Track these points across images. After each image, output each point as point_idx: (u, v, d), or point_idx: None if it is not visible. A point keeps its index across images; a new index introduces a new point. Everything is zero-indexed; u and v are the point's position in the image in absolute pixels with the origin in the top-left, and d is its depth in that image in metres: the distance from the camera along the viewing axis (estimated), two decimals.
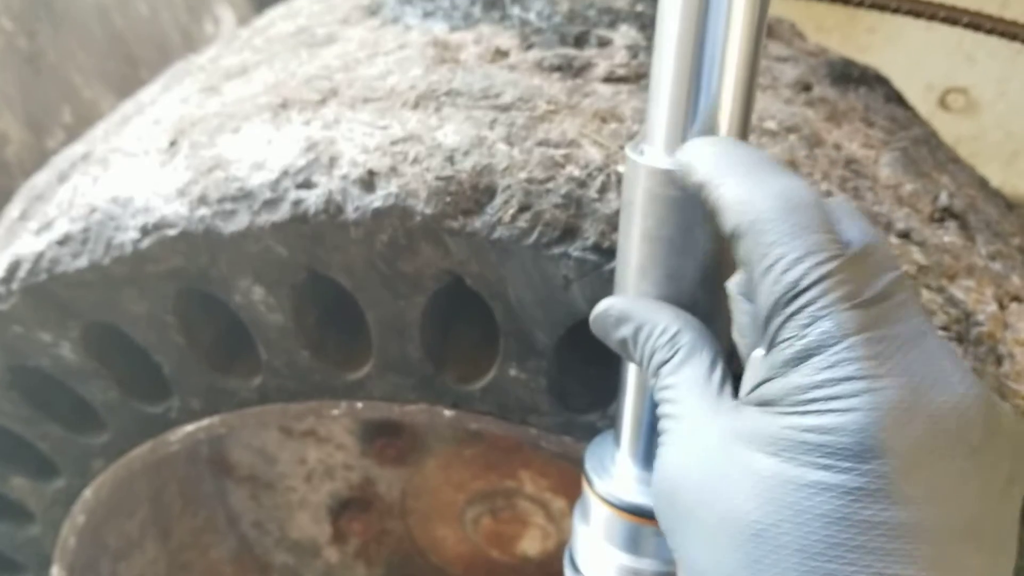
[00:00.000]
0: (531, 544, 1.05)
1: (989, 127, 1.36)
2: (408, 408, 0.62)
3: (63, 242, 0.60)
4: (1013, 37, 0.71)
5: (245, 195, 0.55)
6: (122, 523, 0.89)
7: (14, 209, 0.72)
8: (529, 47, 0.66)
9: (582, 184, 0.52)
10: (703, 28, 0.36)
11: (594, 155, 0.54)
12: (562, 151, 0.54)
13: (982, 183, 0.75)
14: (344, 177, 0.53)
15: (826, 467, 0.29)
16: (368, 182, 0.53)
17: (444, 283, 0.55)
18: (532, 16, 0.71)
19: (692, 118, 0.38)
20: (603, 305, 0.41)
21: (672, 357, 0.37)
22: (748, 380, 0.34)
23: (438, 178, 0.52)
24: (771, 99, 0.66)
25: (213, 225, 0.55)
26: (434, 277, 0.55)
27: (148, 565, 0.96)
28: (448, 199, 0.52)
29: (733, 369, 0.37)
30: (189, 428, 0.68)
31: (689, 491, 0.33)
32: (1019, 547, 0.33)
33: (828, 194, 0.57)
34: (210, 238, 0.55)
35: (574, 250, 0.51)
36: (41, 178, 0.75)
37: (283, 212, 0.54)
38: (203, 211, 0.55)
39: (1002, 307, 0.57)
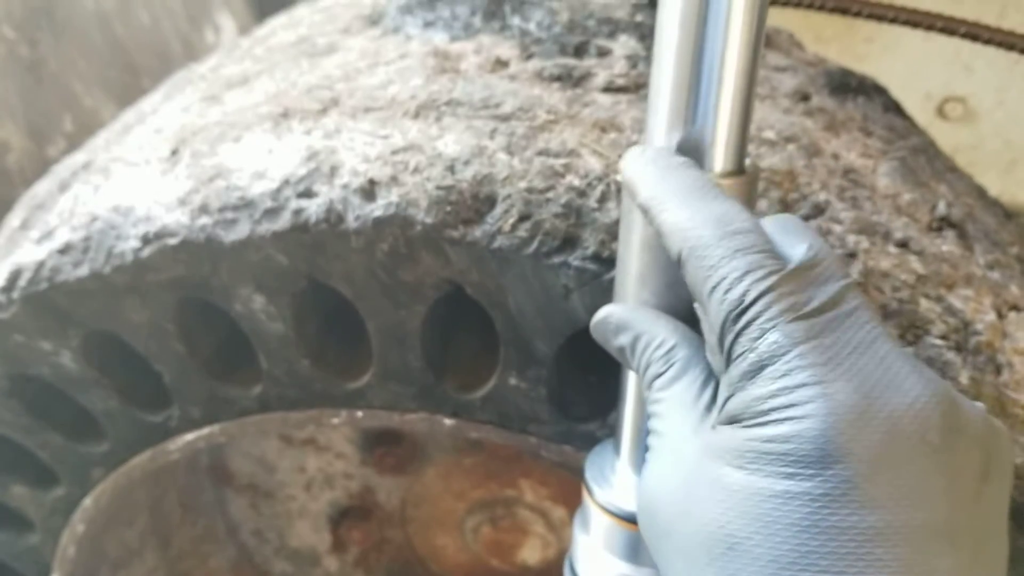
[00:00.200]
0: (531, 553, 1.04)
1: (987, 136, 1.36)
2: (408, 417, 0.62)
3: (64, 251, 0.60)
4: (1011, 47, 0.71)
5: (246, 204, 0.55)
6: (122, 532, 0.89)
7: (15, 218, 0.73)
8: (529, 57, 0.66)
9: (582, 194, 0.53)
10: (702, 38, 0.36)
11: (594, 165, 0.54)
12: (562, 161, 0.54)
13: (980, 192, 0.75)
14: (345, 186, 0.54)
15: (790, 475, 0.29)
16: (369, 191, 0.53)
17: (444, 292, 0.55)
18: (532, 26, 0.71)
19: (691, 127, 0.38)
20: (603, 312, 0.41)
21: (666, 372, 0.37)
22: (719, 399, 0.34)
23: (439, 187, 0.53)
24: (770, 109, 0.67)
25: (214, 234, 0.55)
26: (434, 286, 0.55)
27: (148, 574, 0.96)
28: (448, 208, 0.52)
29: None
30: (189, 437, 0.68)
31: (667, 507, 0.34)
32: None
33: (827, 204, 0.57)
34: (211, 247, 0.55)
35: (574, 259, 0.51)
36: (42, 187, 0.75)
37: (284, 221, 0.54)
38: (204, 220, 0.55)
39: (1000, 316, 0.57)
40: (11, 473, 0.74)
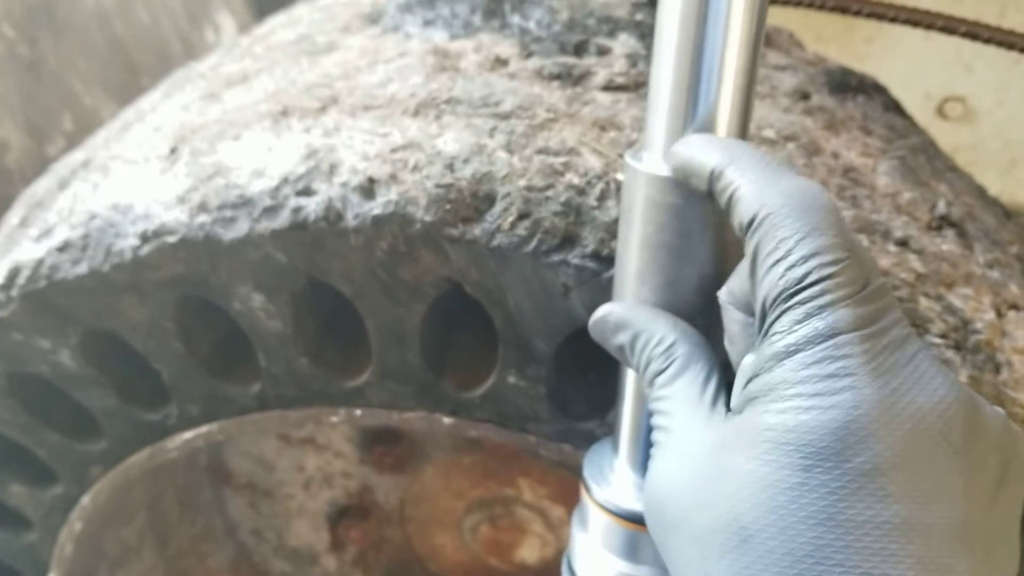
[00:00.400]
0: (530, 552, 1.04)
1: (987, 136, 1.36)
2: (407, 415, 0.62)
3: (63, 249, 0.60)
4: (1010, 46, 0.71)
5: (245, 202, 0.55)
6: (120, 530, 0.89)
7: (14, 216, 0.72)
8: (529, 55, 0.66)
9: (581, 192, 0.52)
10: (701, 36, 0.36)
11: (593, 163, 0.54)
12: (561, 159, 0.54)
13: (980, 191, 0.75)
14: (344, 184, 0.54)
15: (809, 467, 0.29)
16: (368, 189, 0.53)
17: (443, 290, 0.55)
18: (532, 25, 0.71)
19: (690, 126, 0.38)
20: (602, 311, 0.41)
21: (667, 368, 0.37)
22: (738, 385, 0.34)
23: (438, 185, 0.53)
24: (769, 107, 0.67)
25: (213, 232, 0.55)
26: (433, 284, 0.55)
27: (146, 572, 0.96)
28: (448, 206, 0.52)
29: (729, 382, 0.37)
30: (187, 435, 0.68)
31: (678, 501, 0.33)
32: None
33: None
34: (210, 245, 0.55)
35: (573, 258, 0.51)
36: (41, 185, 0.75)
37: (283, 219, 0.54)
38: (203, 218, 0.55)
39: (1000, 315, 0.57)
40: (9, 471, 0.74)
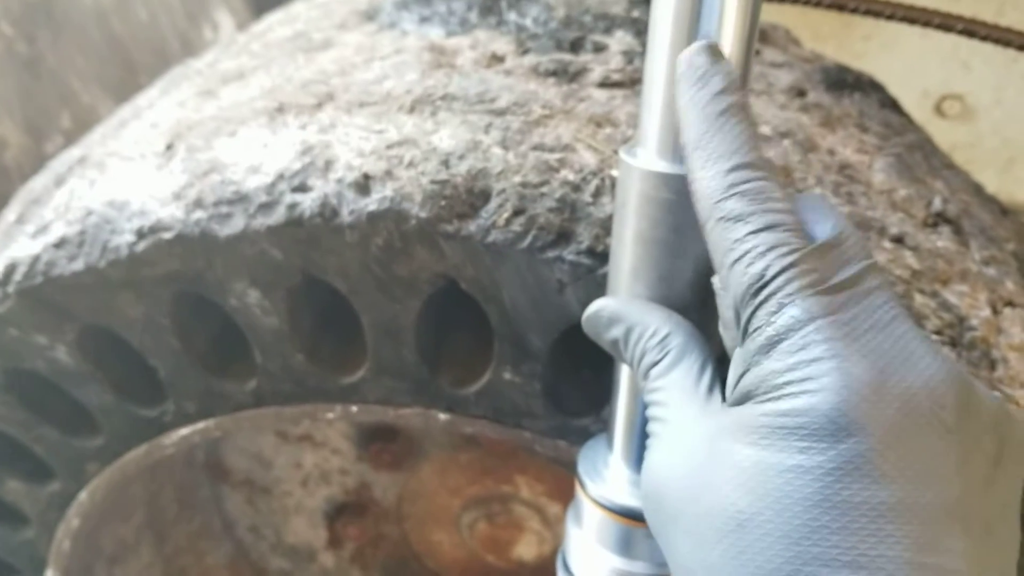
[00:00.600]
0: (527, 549, 1.04)
1: (985, 134, 1.36)
2: (403, 412, 0.62)
3: (59, 245, 0.60)
4: (1007, 43, 0.71)
5: (241, 198, 0.55)
6: (117, 527, 0.89)
7: (11, 212, 0.72)
8: (525, 52, 0.66)
9: (576, 188, 0.53)
10: (695, 32, 0.36)
11: (589, 159, 0.54)
12: (557, 155, 0.54)
13: (976, 189, 0.75)
14: (339, 181, 0.54)
15: (803, 450, 0.29)
16: (363, 186, 0.53)
17: (439, 287, 0.55)
18: (528, 22, 0.71)
19: None
20: (595, 306, 0.41)
21: (662, 359, 0.37)
22: (731, 377, 0.34)
23: (433, 182, 0.53)
24: (765, 104, 0.67)
25: (209, 228, 0.55)
26: (429, 281, 0.55)
27: (143, 570, 0.96)
28: (443, 203, 0.52)
29: (724, 373, 0.37)
30: (184, 431, 0.68)
31: (675, 490, 0.33)
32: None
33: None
34: (206, 241, 0.55)
35: (568, 254, 0.51)
36: (38, 182, 0.75)
37: (278, 215, 0.54)
38: (199, 214, 0.55)
39: (995, 312, 0.57)
40: (6, 467, 0.74)
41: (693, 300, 0.40)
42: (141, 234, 0.57)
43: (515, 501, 1.00)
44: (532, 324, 0.55)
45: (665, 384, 0.36)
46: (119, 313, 0.61)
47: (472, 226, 0.52)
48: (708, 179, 0.33)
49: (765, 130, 0.62)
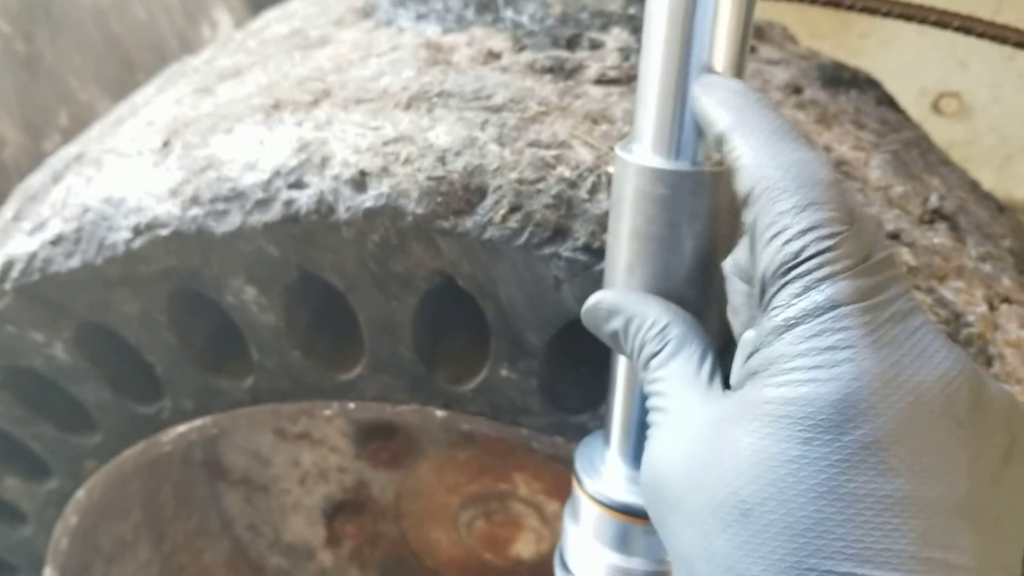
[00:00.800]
0: (525, 547, 1.05)
1: (982, 131, 1.36)
2: (400, 409, 0.62)
3: (56, 242, 0.60)
4: (1004, 41, 0.71)
5: (237, 195, 0.55)
6: (115, 525, 0.89)
7: (8, 210, 0.72)
8: (521, 49, 0.66)
9: (573, 185, 0.53)
10: (690, 27, 0.36)
11: (585, 156, 0.54)
12: (553, 152, 0.54)
13: (973, 185, 0.75)
14: (336, 177, 0.54)
15: (809, 440, 0.28)
16: (360, 182, 0.53)
17: (435, 283, 0.55)
18: (525, 19, 0.71)
19: (680, 117, 0.38)
20: (594, 298, 0.41)
21: (661, 350, 0.37)
22: (738, 360, 0.34)
23: (429, 178, 0.53)
24: None
25: (205, 225, 0.55)
26: (425, 277, 0.55)
27: (141, 567, 0.96)
28: (439, 199, 0.52)
29: (724, 365, 0.37)
30: (181, 429, 0.68)
31: (677, 479, 0.33)
32: None
33: None
34: (202, 238, 0.55)
35: (565, 250, 0.51)
36: (35, 179, 0.75)
37: (275, 212, 0.54)
38: (195, 211, 0.55)
39: (992, 308, 0.57)
40: (4, 465, 0.74)
41: (689, 294, 0.40)
42: (138, 231, 0.57)
43: (513, 499, 1.00)
44: (529, 321, 0.55)
45: (665, 374, 0.36)
46: (116, 310, 0.61)
47: (468, 223, 0.52)
48: (754, 149, 0.32)
49: None
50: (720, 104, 0.35)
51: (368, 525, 1.11)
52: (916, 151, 0.70)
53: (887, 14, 0.72)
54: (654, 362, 0.37)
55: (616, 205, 0.41)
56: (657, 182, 0.38)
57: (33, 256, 0.60)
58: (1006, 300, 0.58)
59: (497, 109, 0.58)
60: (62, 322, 0.62)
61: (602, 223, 0.51)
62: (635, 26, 0.71)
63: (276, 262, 0.56)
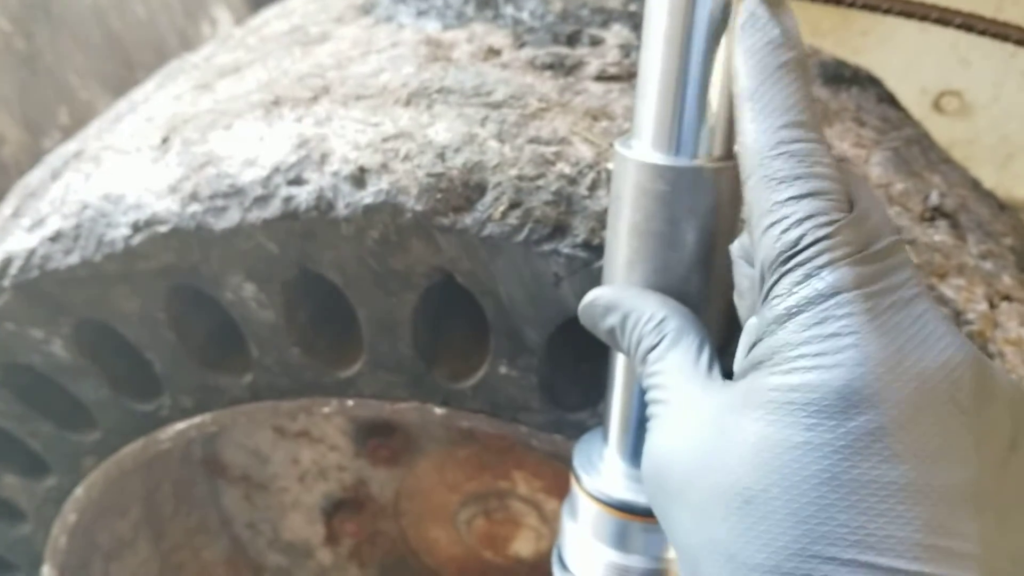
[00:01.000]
0: (524, 545, 1.04)
1: (983, 130, 1.36)
2: (399, 406, 0.62)
3: (55, 239, 0.60)
4: (1005, 39, 0.71)
5: (236, 192, 0.55)
6: (114, 523, 0.89)
7: (7, 206, 0.72)
8: (521, 46, 0.66)
9: (572, 181, 0.52)
10: (690, 22, 0.36)
11: (585, 153, 0.54)
12: (553, 148, 0.54)
13: (974, 183, 0.75)
14: (335, 174, 0.53)
15: (813, 426, 0.28)
16: (359, 179, 0.53)
17: (435, 280, 0.55)
18: (525, 15, 0.71)
19: (680, 113, 0.38)
20: (590, 296, 0.41)
21: (659, 343, 0.37)
22: (740, 350, 0.34)
23: (429, 175, 0.52)
24: None
25: (204, 222, 0.55)
26: (425, 274, 0.55)
27: (140, 565, 0.96)
28: (439, 196, 0.52)
29: (724, 361, 0.37)
30: (180, 426, 0.67)
31: (679, 469, 0.33)
32: None
33: None
34: (201, 235, 0.55)
35: (564, 247, 0.51)
36: (35, 176, 0.75)
37: (274, 209, 0.54)
38: (194, 208, 0.55)
39: (992, 306, 0.57)
40: (2, 462, 0.74)
41: (689, 291, 0.40)
42: (137, 227, 0.57)
43: (512, 497, 1.00)
44: (528, 318, 0.54)
45: (664, 367, 0.36)
46: (115, 307, 0.61)
47: (468, 219, 0.52)
48: (758, 133, 0.32)
49: None
50: (749, 57, 0.33)
51: (367, 523, 1.11)
52: (917, 148, 0.70)
53: (888, 11, 0.72)
54: (652, 355, 0.37)
55: (615, 201, 0.41)
56: (657, 178, 0.38)
57: (32, 253, 0.60)
58: (1006, 298, 0.58)
59: (497, 105, 0.58)
60: (61, 319, 0.62)
61: (602, 220, 0.51)
62: (635, 23, 0.70)
63: (275, 259, 0.56)
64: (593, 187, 0.52)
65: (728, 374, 0.35)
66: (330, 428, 1.01)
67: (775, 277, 0.31)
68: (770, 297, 0.31)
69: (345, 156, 0.54)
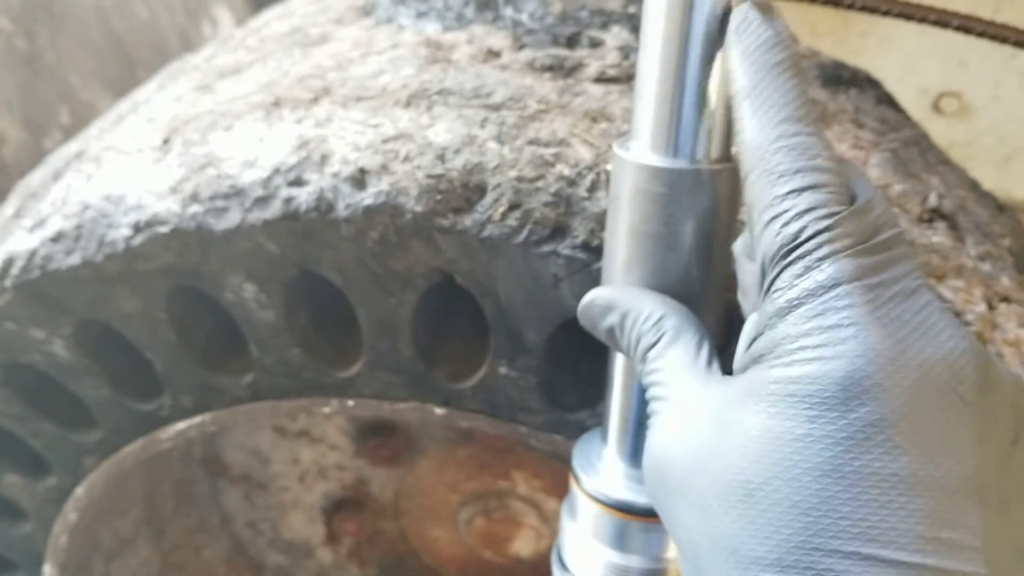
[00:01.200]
0: (524, 545, 1.05)
1: (982, 131, 1.36)
2: (399, 406, 0.63)
3: (56, 239, 0.60)
4: (1004, 40, 0.71)
5: (237, 192, 0.55)
6: (115, 522, 0.89)
7: (9, 207, 0.73)
8: (521, 47, 0.66)
9: (572, 183, 0.53)
10: (687, 26, 0.36)
11: (584, 154, 0.54)
12: (552, 150, 0.54)
13: (973, 185, 0.75)
14: (335, 175, 0.54)
15: (814, 418, 0.28)
16: (359, 180, 0.53)
17: (435, 281, 0.55)
18: (525, 17, 0.71)
19: (677, 115, 0.38)
20: (589, 296, 0.41)
21: (658, 340, 0.37)
22: (741, 345, 0.34)
23: (429, 176, 0.53)
24: None
25: (205, 222, 0.55)
26: (425, 275, 0.55)
27: (141, 564, 0.96)
28: (439, 197, 0.52)
29: (724, 361, 0.37)
30: (181, 426, 0.68)
31: (680, 463, 0.33)
32: None
33: None
34: (202, 235, 0.56)
35: (563, 248, 0.51)
36: (36, 176, 0.75)
37: (274, 209, 0.54)
38: (195, 208, 0.55)
39: (991, 307, 0.57)
40: (4, 462, 0.74)
41: (687, 292, 0.40)
42: (137, 228, 0.57)
43: (512, 497, 1.00)
44: (528, 318, 0.55)
45: (663, 364, 0.36)
46: (116, 307, 0.61)
47: (468, 220, 0.52)
48: (757, 129, 0.32)
49: None
50: (744, 58, 0.34)
51: (367, 523, 1.11)
52: (915, 150, 0.70)
53: (887, 13, 0.72)
54: (652, 353, 0.37)
55: (614, 203, 0.41)
56: (655, 180, 0.38)
57: (33, 253, 0.60)
58: (1005, 299, 0.58)
59: (496, 107, 0.58)
60: (62, 319, 0.62)
61: (601, 221, 0.51)
62: (635, 25, 0.71)
63: (275, 259, 0.56)
64: (592, 188, 0.52)
65: (727, 373, 0.35)
66: (330, 428, 1.02)
67: (776, 271, 0.31)
68: (771, 291, 0.31)
69: (345, 157, 0.54)
